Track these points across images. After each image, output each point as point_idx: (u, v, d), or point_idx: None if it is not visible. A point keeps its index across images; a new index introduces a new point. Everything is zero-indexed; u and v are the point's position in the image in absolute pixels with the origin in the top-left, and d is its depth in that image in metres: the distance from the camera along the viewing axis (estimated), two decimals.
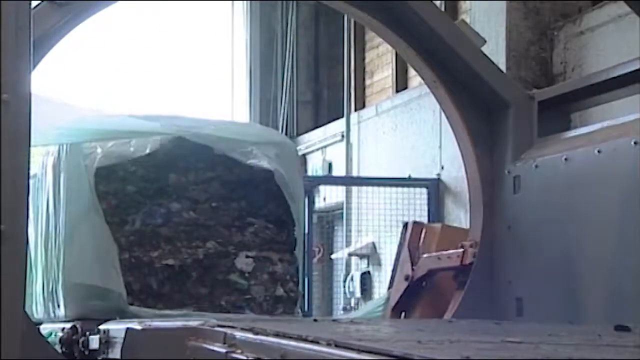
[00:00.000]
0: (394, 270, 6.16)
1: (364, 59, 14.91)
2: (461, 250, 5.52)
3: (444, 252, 5.72)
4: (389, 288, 6.24)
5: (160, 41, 16.48)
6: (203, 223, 5.82)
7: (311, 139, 15.72)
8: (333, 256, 14.30)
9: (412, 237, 6.08)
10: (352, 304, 13.18)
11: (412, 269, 5.92)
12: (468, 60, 5.51)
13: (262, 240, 5.93)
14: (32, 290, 5.83)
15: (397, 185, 12.47)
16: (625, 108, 4.98)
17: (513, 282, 5.11)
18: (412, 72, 12.81)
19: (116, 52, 16.18)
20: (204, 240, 5.80)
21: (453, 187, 11.78)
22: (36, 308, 5.85)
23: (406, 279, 5.92)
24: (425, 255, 5.88)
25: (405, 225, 6.22)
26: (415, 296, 5.91)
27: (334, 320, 4.57)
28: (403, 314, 5.97)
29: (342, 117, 14.72)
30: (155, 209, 5.76)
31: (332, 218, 14.99)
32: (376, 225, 12.88)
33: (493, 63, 5.80)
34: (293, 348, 2.83)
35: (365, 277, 13.03)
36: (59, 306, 5.57)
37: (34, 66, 4.40)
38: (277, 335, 3.16)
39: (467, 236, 5.65)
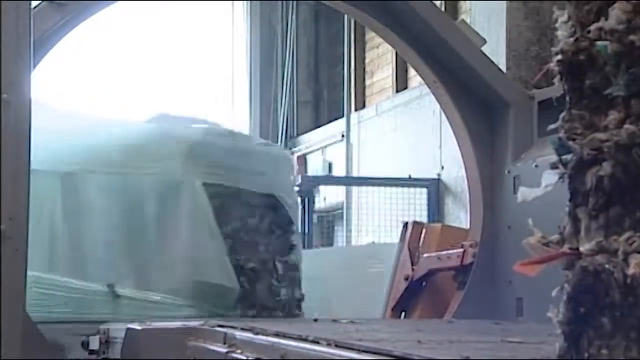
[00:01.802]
0: (393, 270, 6.15)
1: (364, 59, 14.90)
2: (461, 250, 5.52)
3: (444, 252, 5.72)
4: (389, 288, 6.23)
5: (160, 41, 16.48)
6: None
7: (311, 139, 15.71)
8: None
9: (412, 237, 6.07)
10: None
11: (412, 269, 5.91)
12: (468, 60, 5.51)
13: None
14: None
15: (397, 185, 12.46)
16: None
17: (513, 282, 5.11)
18: (412, 72, 12.80)
19: (116, 52, 16.18)
20: None
21: (453, 187, 11.78)
22: None
23: (406, 279, 5.91)
24: (425, 255, 5.87)
25: (405, 225, 6.21)
26: (415, 296, 5.91)
27: (334, 320, 4.56)
28: (403, 314, 5.96)
29: (342, 117, 14.71)
30: None
31: (332, 218, 14.98)
32: (376, 225, 12.87)
33: (493, 63, 5.80)
34: (293, 348, 2.83)
35: None
36: None
37: (34, 66, 4.40)
38: (277, 335, 3.16)
39: (467, 236, 5.65)
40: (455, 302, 5.55)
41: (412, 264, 5.93)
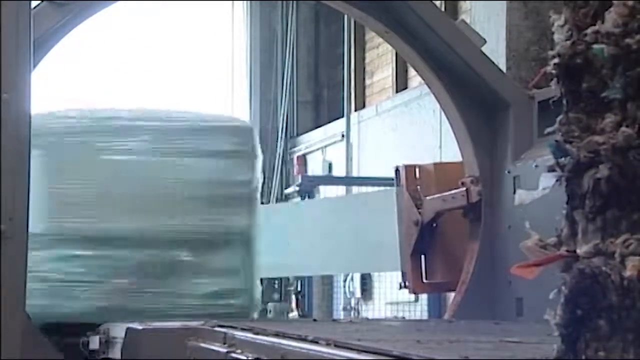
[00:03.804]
0: (399, 216, 6.05)
1: (364, 59, 14.90)
2: (464, 189, 5.52)
3: (448, 193, 5.67)
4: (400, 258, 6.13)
5: (161, 41, 16.48)
6: None
7: (311, 139, 15.71)
8: None
9: (408, 180, 5.97)
10: (352, 304, 13.17)
11: (419, 213, 5.83)
12: (468, 60, 5.51)
13: None
14: None
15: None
16: None
17: (513, 282, 5.11)
18: (412, 72, 12.79)
19: (116, 52, 16.18)
20: None
21: None
22: None
23: (416, 224, 5.83)
24: (428, 198, 5.81)
25: (397, 169, 6.09)
26: (430, 238, 5.83)
27: (333, 320, 4.58)
28: (423, 257, 5.90)
29: (342, 117, 14.71)
30: None
31: None
32: None
33: (493, 63, 5.81)
34: (293, 348, 2.83)
35: (365, 277, 13.03)
36: None
37: (34, 66, 4.41)
38: (277, 335, 3.16)
39: (461, 169, 5.66)
40: (472, 253, 5.54)
41: (418, 208, 5.85)
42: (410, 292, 6.20)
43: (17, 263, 3.89)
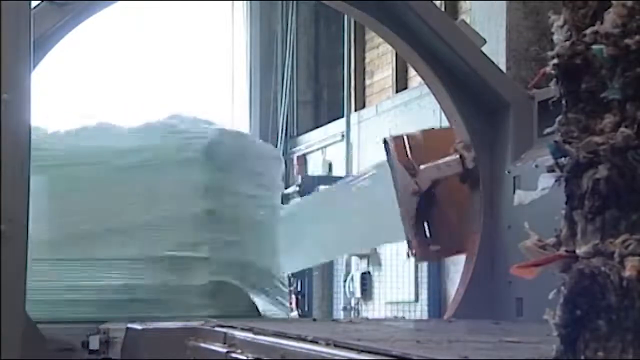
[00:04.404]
0: (395, 187, 6.02)
1: (364, 59, 14.90)
2: (458, 156, 5.54)
3: (442, 161, 5.66)
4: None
5: (160, 41, 16.48)
6: None
7: (311, 139, 15.71)
8: None
9: (398, 151, 5.94)
10: (352, 304, 13.17)
11: (416, 183, 5.82)
12: (468, 60, 5.51)
13: None
14: None
15: None
16: None
17: (513, 282, 5.12)
18: (412, 72, 12.79)
19: (116, 52, 16.18)
20: None
21: None
22: None
23: (414, 193, 5.79)
24: (422, 167, 5.76)
25: (385, 141, 6.05)
26: (430, 206, 5.81)
27: (333, 320, 4.58)
28: (426, 225, 5.88)
29: (342, 117, 14.71)
30: None
31: None
32: None
33: (493, 63, 5.81)
34: (293, 348, 2.84)
35: (365, 277, 13.03)
36: None
37: (34, 66, 4.41)
38: (277, 335, 3.17)
39: (451, 135, 5.65)
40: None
41: (413, 177, 5.80)
42: (417, 261, 6.18)
43: (17, 263, 3.89)
